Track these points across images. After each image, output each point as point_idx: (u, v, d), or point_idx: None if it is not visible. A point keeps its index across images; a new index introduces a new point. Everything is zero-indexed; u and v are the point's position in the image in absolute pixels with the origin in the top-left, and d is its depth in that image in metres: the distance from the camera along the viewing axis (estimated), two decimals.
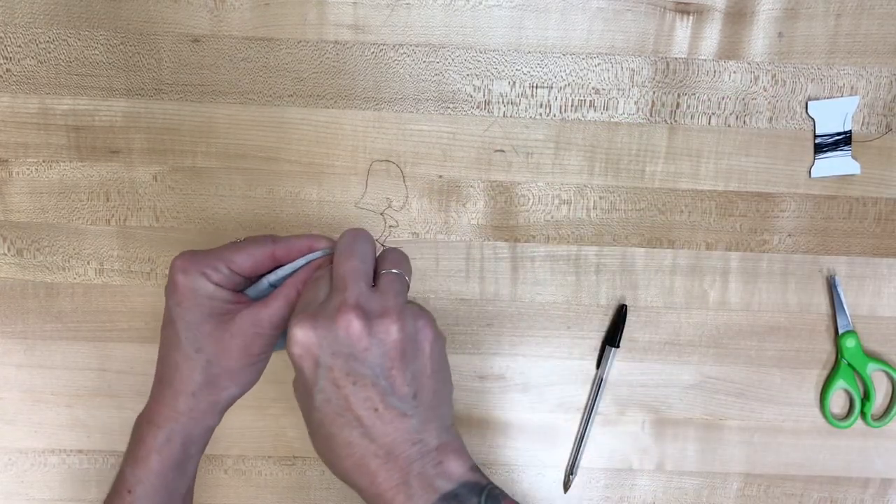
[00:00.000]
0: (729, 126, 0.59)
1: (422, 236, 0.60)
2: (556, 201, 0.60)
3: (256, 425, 0.63)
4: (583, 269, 0.61)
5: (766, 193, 0.61)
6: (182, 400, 0.45)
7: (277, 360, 0.62)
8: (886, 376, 0.63)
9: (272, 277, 0.47)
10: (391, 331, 0.40)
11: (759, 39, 0.58)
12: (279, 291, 0.46)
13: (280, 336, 0.47)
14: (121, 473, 0.46)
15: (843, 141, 0.60)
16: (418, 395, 0.41)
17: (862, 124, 0.60)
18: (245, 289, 0.48)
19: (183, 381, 0.45)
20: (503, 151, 0.60)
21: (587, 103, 0.59)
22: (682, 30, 0.58)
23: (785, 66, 0.59)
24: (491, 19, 0.57)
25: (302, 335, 0.40)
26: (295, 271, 0.47)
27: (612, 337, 0.62)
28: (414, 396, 0.41)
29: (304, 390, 0.42)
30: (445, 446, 0.41)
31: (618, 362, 0.62)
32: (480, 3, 0.57)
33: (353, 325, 0.39)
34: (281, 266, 0.47)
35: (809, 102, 0.59)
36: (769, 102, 0.59)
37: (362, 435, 0.40)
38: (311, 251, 0.47)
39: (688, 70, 0.58)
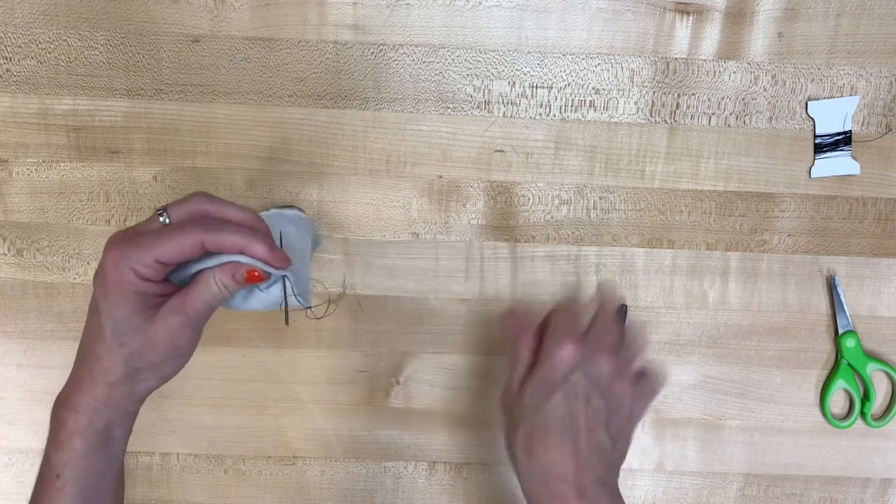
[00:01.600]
0: (729, 126, 0.60)
1: (422, 236, 0.60)
2: (556, 201, 0.60)
3: (256, 425, 0.63)
4: (583, 269, 0.61)
5: (766, 193, 0.61)
6: (100, 389, 0.44)
7: (278, 361, 0.62)
8: (886, 376, 0.63)
9: (199, 266, 0.45)
10: (633, 387, 0.51)
11: (759, 39, 0.58)
12: (205, 277, 0.45)
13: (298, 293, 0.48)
14: (46, 459, 0.45)
15: (843, 141, 0.60)
16: (617, 443, 0.49)
17: (862, 124, 0.60)
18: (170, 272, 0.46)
19: (102, 372, 0.44)
20: (503, 151, 0.60)
21: (587, 103, 0.59)
22: (682, 30, 0.58)
23: (785, 66, 0.59)
24: (491, 19, 0.57)
25: (572, 349, 0.49)
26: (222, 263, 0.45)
27: None
28: (614, 443, 0.49)
29: (547, 385, 0.49)
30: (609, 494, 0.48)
31: None
32: (480, 3, 0.57)
33: (608, 363, 0.49)
34: (210, 256, 0.45)
35: (809, 102, 0.59)
36: (769, 102, 0.59)
37: (573, 441, 0.48)
38: (242, 253, 0.44)
39: (688, 70, 0.58)
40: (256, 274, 0.45)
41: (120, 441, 0.46)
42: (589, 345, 0.49)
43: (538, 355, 0.50)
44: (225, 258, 0.45)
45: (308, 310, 0.50)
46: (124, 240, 0.43)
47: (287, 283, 0.48)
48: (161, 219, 0.45)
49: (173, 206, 0.45)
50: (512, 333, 0.53)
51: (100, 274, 0.43)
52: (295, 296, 0.48)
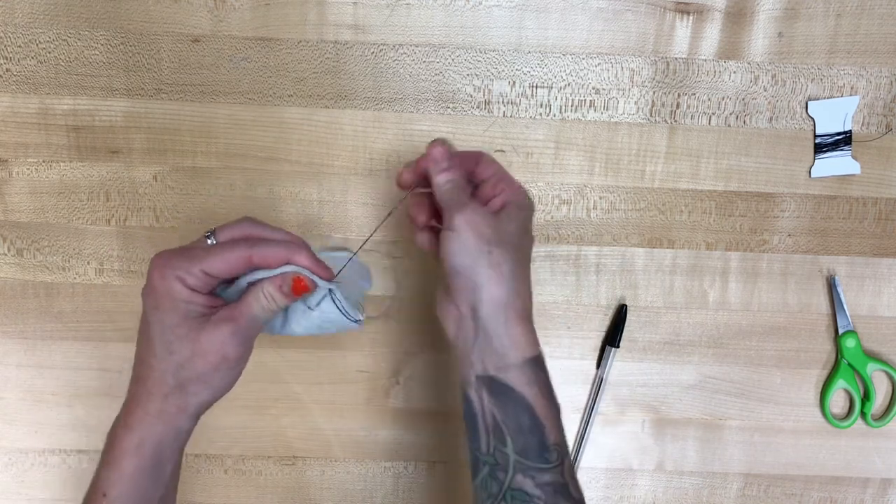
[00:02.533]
0: (729, 126, 0.59)
1: None
2: (556, 201, 0.60)
3: (256, 425, 0.63)
4: (583, 269, 0.61)
5: (766, 193, 0.61)
6: (153, 402, 0.44)
7: (278, 361, 0.62)
8: (886, 376, 0.63)
9: (249, 278, 0.46)
10: None
11: (759, 39, 0.58)
12: (255, 290, 0.45)
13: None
14: (96, 476, 0.45)
15: (843, 141, 0.60)
16: None
17: (862, 124, 0.60)
18: (220, 288, 0.47)
19: (155, 383, 0.44)
20: (503, 151, 0.60)
21: (587, 103, 0.59)
22: (682, 30, 0.58)
23: (785, 66, 0.59)
24: (491, 19, 0.57)
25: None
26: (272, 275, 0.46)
27: (612, 337, 0.62)
28: None
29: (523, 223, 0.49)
30: None
31: (618, 362, 0.62)
32: (480, 3, 0.57)
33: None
34: (259, 272, 0.46)
35: (809, 102, 0.59)
36: (769, 102, 0.59)
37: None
38: (288, 263, 0.46)
39: (688, 70, 0.58)
40: (303, 283, 0.46)
41: (170, 465, 0.46)
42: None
43: (486, 193, 0.49)
44: (274, 272, 0.46)
45: (356, 323, 0.50)
46: (171, 253, 0.45)
47: (335, 297, 0.48)
48: (209, 241, 0.46)
49: (221, 229, 0.47)
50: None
51: (148, 286, 0.44)
52: (340, 308, 0.49)
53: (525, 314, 0.46)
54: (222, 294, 0.47)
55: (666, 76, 0.58)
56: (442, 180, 0.47)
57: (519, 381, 0.44)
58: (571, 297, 0.62)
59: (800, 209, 0.61)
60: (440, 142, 0.48)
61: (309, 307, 0.49)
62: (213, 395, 0.46)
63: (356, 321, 0.50)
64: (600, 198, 0.60)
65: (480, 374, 0.45)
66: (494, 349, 0.44)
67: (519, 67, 0.58)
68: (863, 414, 0.63)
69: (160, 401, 0.44)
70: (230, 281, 0.47)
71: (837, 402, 0.64)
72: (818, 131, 0.60)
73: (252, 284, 0.46)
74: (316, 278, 0.46)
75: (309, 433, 0.63)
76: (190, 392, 0.45)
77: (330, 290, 0.48)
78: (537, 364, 0.45)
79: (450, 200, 0.47)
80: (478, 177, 0.50)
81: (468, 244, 0.44)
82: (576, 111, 0.59)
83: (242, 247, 0.45)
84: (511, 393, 0.44)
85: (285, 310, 0.50)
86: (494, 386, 0.44)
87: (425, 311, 0.61)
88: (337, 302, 0.48)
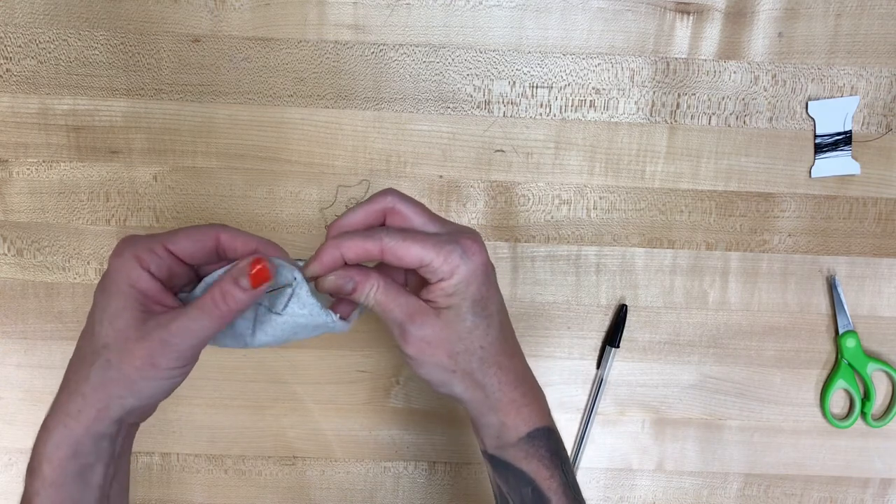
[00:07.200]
0: (729, 126, 0.60)
1: None
2: (556, 201, 0.60)
3: (256, 425, 0.63)
4: (583, 269, 0.61)
5: (766, 193, 0.61)
6: (73, 401, 0.40)
7: (277, 360, 0.62)
8: (886, 376, 0.63)
9: (209, 279, 0.42)
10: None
11: (759, 39, 0.58)
12: (202, 299, 0.40)
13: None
14: (24, 486, 0.42)
15: (843, 141, 0.60)
16: None
17: (862, 124, 0.60)
18: (182, 289, 0.43)
19: (78, 379, 0.40)
20: (503, 151, 0.60)
21: (587, 103, 0.59)
22: (682, 30, 0.58)
23: (785, 66, 0.59)
24: (491, 19, 0.57)
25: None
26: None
27: (612, 337, 0.62)
28: None
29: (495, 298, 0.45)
30: None
31: (618, 362, 0.62)
32: (480, 3, 0.57)
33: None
34: (223, 265, 0.42)
35: (809, 102, 0.59)
36: (769, 102, 0.59)
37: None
38: (255, 253, 0.41)
39: (688, 70, 0.58)
40: (263, 267, 0.39)
41: (97, 471, 0.41)
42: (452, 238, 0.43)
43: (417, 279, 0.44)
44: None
45: (337, 322, 0.44)
46: (134, 235, 0.41)
47: (299, 291, 0.42)
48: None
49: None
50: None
51: (105, 272, 0.41)
52: (309, 306, 0.43)
53: (516, 395, 0.44)
54: (185, 299, 0.43)
55: (666, 76, 0.59)
56: (360, 296, 0.42)
57: (517, 457, 0.44)
58: (571, 297, 0.62)
59: (800, 209, 0.61)
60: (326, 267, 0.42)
61: (277, 313, 0.43)
62: (138, 403, 0.40)
63: (339, 321, 0.44)
64: (600, 198, 0.60)
65: (483, 450, 0.46)
66: (489, 434, 0.45)
67: (519, 67, 0.58)
68: (863, 414, 0.63)
69: (79, 399, 0.40)
70: (194, 285, 0.43)
71: (837, 402, 0.64)
72: (818, 131, 0.60)
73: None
74: (280, 261, 0.41)
75: (309, 433, 0.63)
76: (112, 394, 0.40)
77: (295, 280, 0.42)
78: (538, 436, 0.44)
79: (385, 319, 0.43)
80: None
81: (429, 371, 0.43)
82: (576, 111, 0.59)
83: (212, 226, 0.42)
84: (510, 468, 0.44)
85: (253, 319, 0.44)
86: (495, 462, 0.45)
87: None
88: (303, 298, 0.42)
